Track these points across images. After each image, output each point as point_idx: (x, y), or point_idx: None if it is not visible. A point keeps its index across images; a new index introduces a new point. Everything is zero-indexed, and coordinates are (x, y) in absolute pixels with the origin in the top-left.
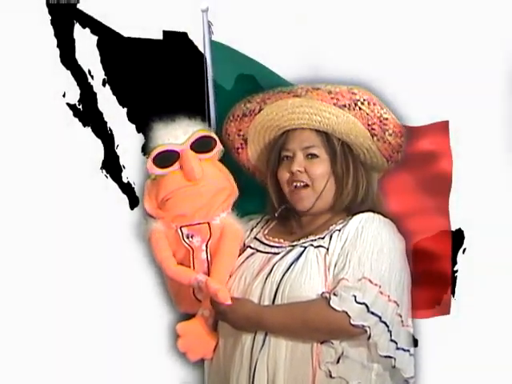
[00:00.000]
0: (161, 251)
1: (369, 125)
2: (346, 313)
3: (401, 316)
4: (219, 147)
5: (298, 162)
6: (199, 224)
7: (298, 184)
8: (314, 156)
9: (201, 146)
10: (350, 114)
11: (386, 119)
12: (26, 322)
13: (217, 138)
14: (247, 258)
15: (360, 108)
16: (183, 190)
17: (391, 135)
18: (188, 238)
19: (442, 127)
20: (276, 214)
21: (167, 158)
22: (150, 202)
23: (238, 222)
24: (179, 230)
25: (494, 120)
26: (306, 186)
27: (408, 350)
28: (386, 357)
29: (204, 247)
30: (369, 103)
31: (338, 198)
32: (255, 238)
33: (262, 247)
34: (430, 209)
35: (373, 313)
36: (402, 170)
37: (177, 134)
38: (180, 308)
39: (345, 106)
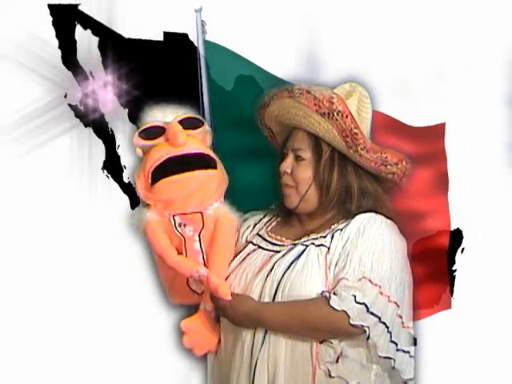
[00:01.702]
0: (159, 241)
1: (343, 136)
2: (346, 312)
3: (401, 317)
4: (206, 127)
5: (286, 164)
6: (192, 213)
7: (285, 183)
8: (301, 159)
9: (188, 124)
10: (329, 123)
11: (356, 134)
12: (28, 319)
13: (205, 122)
14: (249, 254)
15: (336, 119)
16: (171, 178)
17: (363, 149)
18: (180, 226)
19: (440, 129)
20: (273, 206)
21: (153, 132)
22: (140, 183)
23: (231, 211)
24: (172, 219)
25: (493, 121)
26: (291, 186)
27: (408, 352)
28: (385, 358)
29: (197, 237)
30: (342, 115)
31: (322, 200)
32: (258, 234)
33: (264, 244)
34: (431, 209)
35: (372, 313)
36: None
37: (166, 114)
38: (174, 300)
39: (324, 114)
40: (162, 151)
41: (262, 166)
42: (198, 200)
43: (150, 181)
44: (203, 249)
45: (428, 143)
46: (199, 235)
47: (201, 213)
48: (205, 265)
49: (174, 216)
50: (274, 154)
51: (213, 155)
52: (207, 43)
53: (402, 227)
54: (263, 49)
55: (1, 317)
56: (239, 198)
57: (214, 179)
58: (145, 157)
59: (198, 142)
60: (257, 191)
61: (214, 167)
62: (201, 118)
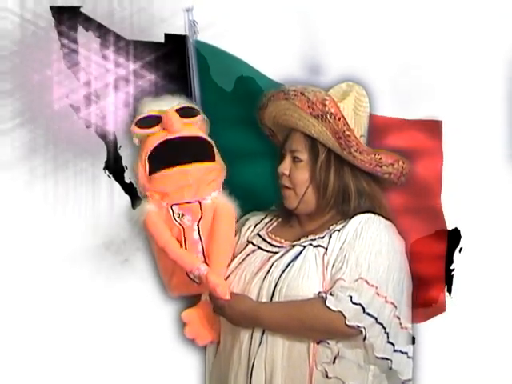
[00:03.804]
0: (162, 234)
1: (336, 138)
2: (342, 313)
3: (399, 318)
4: (202, 116)
5: (284, 165)
6: (189, 203)
7: (283, 185)
8: (298, 160)
9: (184, 112)
10: (323, 126)
11: (349, 136)
12: (32, 319)
13: (200, 112)
14: (249, 254)
15: (329, 121)
16: (168, 171)
17: (356, 151)
18: (179, 216)
19: (435, 126)
20: (274, 206)
21: (149, 121)
22: (139, 173)
23: (229, 200)
24: (170, 209)
25: (491, 119)
26: (290, 187)
27: (406, 353)
28: (382, 358)
29: (195, 227)
30: (335, 117)
31: (320, 201)
32: (258, 234)
33: (263, 245)
34: (419, 208)
35: (369, 314)
36: None
37: (161, 105)
38: (173, 292)
39: (318, 116)
40: (159, 137)
41: (257, 167)
42: (193, 190)
43: (147, 168)
44: (202, 238)
45: (425, 138)
46: (198, 225)
47: (199, 202)
48: (203, 254)
49: (172, 206)
50: (267, 154)
51: (210, 140)
52: (199, 43)
53: (414, 224)
54: (260, 49)
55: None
56: (234, 198)
57: (212, 171)
58: (142, 145)
59: (195, 128)
60: (252, 192)
61: (212, 159)
62: (196, 107)
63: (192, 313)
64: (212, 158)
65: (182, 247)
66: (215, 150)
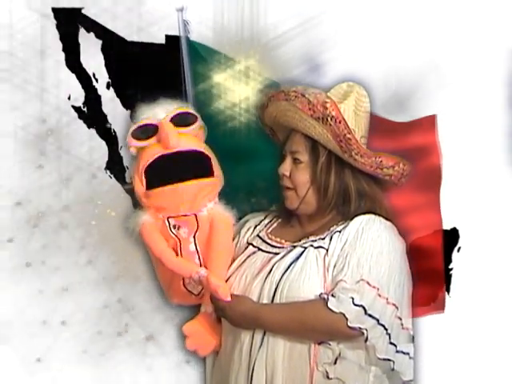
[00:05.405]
0: (157, 244)
1: (337, 141)
2: (344, 315)
3: (400, 319)
4: (199, 123)
5: (285, 166)
6: (185, 216)
7: (284, 186)
8: (298, 161)
9: (180, 120)
10: (324, 128)
11: (350, 139)
12: None
13: (197, 115)
14: (249, 256)
15: (330, 124)
16: (165, 189)
17: (357, 155)
18: (175, 228)
19: (430, 122)
20: (274, 206)
21: (145, 132)
22: (135, 184)
23: (225, 210)
24: (166, 221)
25: (491, 118)
26: (291, 188)
27: (408, 353)
28: (384, 359)
29: (192, 239)
30: (335, 120)
31: (321, 203)
32: (258, 235)
33: (264, 246)
34: (421, 205)
35: (370, 315)
36: None
37: (157, 111)
38: (172, 300)
39: (319, 118)
40: (155, 151)
41: (257, 167)
42: (189, 204)
43: (144, 182)
44: (199, 250)
45: (416, 137)
46: (194, 237)
47: (195, 214)
48: (201, 266)
49: (168, 218)
50: (267, 154)
51: (207, 152)
52: (199, 45)
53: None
54: (260, 49)
55: None
56: (234, 199)
57: (208, 186)
58: (138, 156)
59: (192, 138)
60: (252, 192)
61: (210, 173)
62: (194, 112)
63: (192, 325)
64: (210, 172)
65: None
66: (213, 162)
